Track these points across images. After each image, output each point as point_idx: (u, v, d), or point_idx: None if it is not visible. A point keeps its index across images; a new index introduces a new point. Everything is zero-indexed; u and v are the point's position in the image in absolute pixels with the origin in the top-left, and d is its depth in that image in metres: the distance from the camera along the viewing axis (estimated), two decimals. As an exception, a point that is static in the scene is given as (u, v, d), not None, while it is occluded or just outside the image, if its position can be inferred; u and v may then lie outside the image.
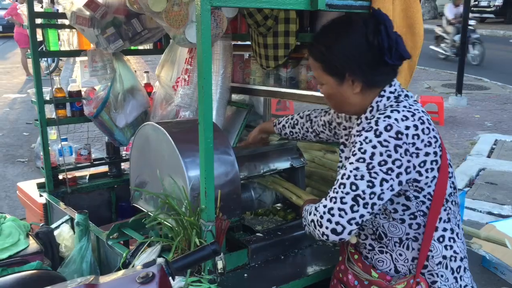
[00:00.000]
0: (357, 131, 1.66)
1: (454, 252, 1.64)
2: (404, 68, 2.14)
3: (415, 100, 1.67)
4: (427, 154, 1.55)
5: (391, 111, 1.57)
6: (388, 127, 1.52)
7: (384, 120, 1.53)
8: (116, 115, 3.23)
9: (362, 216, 1.52)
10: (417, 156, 1.53)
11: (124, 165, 3.58)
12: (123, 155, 3.59)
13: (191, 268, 1.72)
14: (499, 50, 15.48)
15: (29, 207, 3.48)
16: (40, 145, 3.20)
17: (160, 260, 1.39)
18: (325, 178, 2.74)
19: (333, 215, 1.53)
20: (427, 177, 1.56)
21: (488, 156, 6.56)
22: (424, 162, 1.55)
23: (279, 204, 2.59)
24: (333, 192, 1.56)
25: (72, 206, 2.98)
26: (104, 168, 3.55)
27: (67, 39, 3.36)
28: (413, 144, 1.52)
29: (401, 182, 1.53)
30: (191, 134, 2.15)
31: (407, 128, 1.52)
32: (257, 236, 2.25)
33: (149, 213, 2.22)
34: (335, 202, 1.54)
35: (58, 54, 3.85)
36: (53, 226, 2.82)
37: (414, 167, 1.54)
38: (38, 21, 3.11)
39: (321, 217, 1.56)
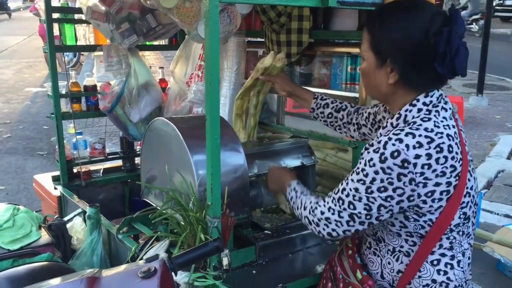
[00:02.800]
0: (380, 133, 1.58)
1: (448, 278, 1.54)
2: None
3: (447, 117, 1.50)
4: (437, 184, 1.44)
5: (406, 134, 1.42)
6: (395, 154, 1.40)
7: (394, 144, 1.41)
8: (130, 110, 3.25)
9: (357, 230, 1.56)
10: (425, 186, 1.43)
11: (137, 160, 3.60)
12: (137, 149, 3.62)
13: (194, 263, 1.73)
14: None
15: (44, 200, 3.54)
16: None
17: (162, 255, 1.39)
18: (336, 177, 2.72)
19: (330, 223, 1.59)
20: (431, 206, 1.46)
21: (508, 158, 6.44)
22: (432, 192, 1.44)
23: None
24: (333, 202, 1.58)
25: (86, 199, 3.01)
26: (118, 163, 3.58)
27: (84, 34, 3.40)
28: (422, 174, 1.41)
29: (402, 207, 1.48)
30: (201, 130, 2.15)
31: (417, 157, 1.40)
32: (265, 233, 2.24)
33: (158, 207, 2.24)
34: (333, 214, 1.57)
35: (74, 49, 3.90)
36: (66, 218, 2.86)
37: (419, 196, 1.44)
38: (55, 16, 3.15)
39: (319, 220, 1.62)
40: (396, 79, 1.50)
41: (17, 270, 1.95)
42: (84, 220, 2.76)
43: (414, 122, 1.47)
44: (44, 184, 3.50)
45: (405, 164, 1.40)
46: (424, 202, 1.45)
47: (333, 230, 1.59)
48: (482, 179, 5.52)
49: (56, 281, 1.38)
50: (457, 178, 1.46)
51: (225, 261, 1.76)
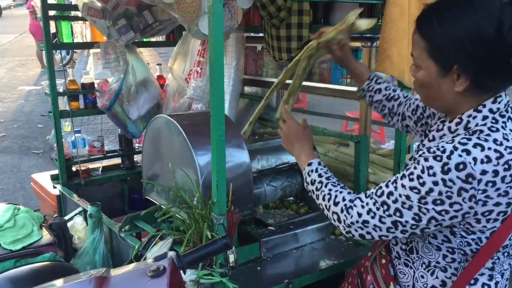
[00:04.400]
0: (433, 136, 1.44)
1: None
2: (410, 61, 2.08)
3: None
4: (497, 204, 1.28)
5: (474, 145, 1.26)
6: (461, 166, 1.24)
7: (460, 156, 1.24)
8: (129, 107, 3.23)
9: (395, 237, 1.39)
10: (484, 205, 1.28)
11: (136, 158, 3.59)
12: (135, 147, 3.60)
13: (202, 261, 1.71)
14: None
15: (43, 199, 3.51)
16: (54, 137, 3.22)
17: (171, 254, 1.38)
18: (339, 171, 2.71)
19: (366, 227, 1.40)
20: (484, 226, 1.32)
21: None
22: (490, 212, 1.29)
23: (291, 198, 2.58)
24: (373, 205, 1.39)
25: (85, 198, 3.00)
26: (117, 160, 3.57)
27: (80, 31, 3.37)
28: (484, 191, 1.26)
29: (453, 223, 1.34)
30: (203, 127, 2.13)
31: (484, 173, 1.24)
32: (269, 229, 2.23)
33: (161, 205, 2.22)
34: (372, 218, 1.39)
35: (71, 46, 3.88)
36: (66, 217, 2.84)
37: (476, 214, 1.29)
38: (52, 13, 3.12)
39: (352, 222, 1.43)
40: (466, 86, 1.31)
41: (20, 271, 1.93)
42: (85, 219, 2.74)
43: (481, 131, 1.30)
44: (42, 183, 3.48)
45: (470, 179, 1.24)
46: (478, 221, 1.31)
47: (368, 233, 1.41)
48: None
49: (63, 281, 1.37)
50: None
51: (231, 258, 1.75)
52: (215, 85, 1.64)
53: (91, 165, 3.39)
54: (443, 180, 1.25)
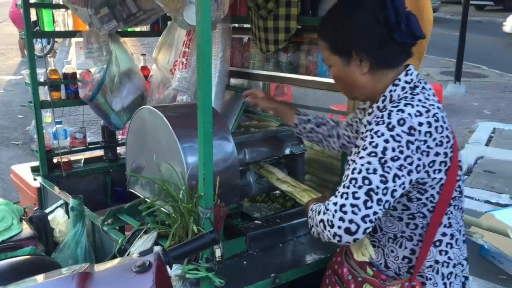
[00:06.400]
0: (367, 121, 1.58)
1: (448, 258, 1.58)
2: (413, 55, 2.07)
3: (431, 94, 1.56)
4: (437, 154, 1.47)
5: (405, 105, 1.47)
6: (401, 121, 1.43)
7: (397, 114, 1.44)
8: (112, 98, 3.16)
9: (375, 213, 1.40)
10: (427, 155, 1.45)
11: (119, 149, 3.53)
12: (119, 139, 3.54)
13: (189, 256, 1.68)
14: (497, 37, 15.41)
15: (23, 191, 3.43)
16: (34, 128, 3.14)
17: (157, 249, 1.35)
18: (324, 165, 2.70)
19: (345, 212, 1.40)
20: (433, 178, 1.48)
21: (486, 145, 6.53)
22: (433, 162, 1.47)
23: (277, 191, 2.55)
24: (344, 188, 1.44)
25: (67, 190, 2.93)
26: (100, 152, 3.50)
27: (62, 20, 3.28)
28: (425, 142, 1.44)
29: (411, 180, 1.45)
30: (189, 119, 2.09)
31: (420, 124, 1.44)
32: (255, 223, 2.21)
33: (146, 198, 2.18)
34: (346, 198, 1.41)
35: (52, 35, 3.78)
36: (47, 210, 2.78)
37: (424, 166, 1.46)
38: (32, 0, 3.03)
39: (332, 215, 1.42)
40: (368, 66, 1.55)
41: (0, 265, 1.88)
42: (66, 212, 2.69)
43: (405, 97, 1.52)
44: (22, 175, 3.40)
45: (412, 131, 1.42)
46: (428, 173, 1.47)
47: (351, 221, 1.39)
48: (463, 166, 5.57)
49: (44, 277, 1.33)
50: (451, 149, 1.50)
51: (217, 252, 1.72)
52: (203, 77, 1.60)
53: (73, 157, 3.32)
54: (392, 136, 1.42)
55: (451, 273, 1.59)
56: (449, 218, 1.57)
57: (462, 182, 1.59)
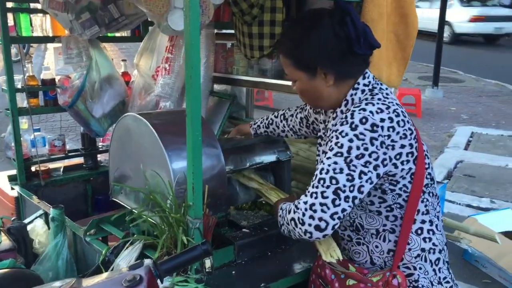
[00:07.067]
0: (332, 125, 1.69)
1: (433, 244, 1.65)
2: (398, 60, 2.08)
3: (389, 93, 1.67)
4: (402, 146, 1.56)
5: (366, 104, 1.57)
6: (364, 120, 1.52)
7: (360, 113, 1.54)
8: (93, 104, 3.08)
9: (344, 210, 1.51)
10: (393, 149, 1.55)
11: (100, 157, 3.45)
12: (99, 146, 3.45)
13: (181, 269, 1.63)
14: (472, 42, 15.68)
15: (-1, 201, 3.32)
16: (10, 135, 3.05)
17: (147, 262, 1.30)
18: (310, 171, 2.66)
19: (315, 211, 1.51)
20: (402, 169, 1.57)
21: (465, 149, 6.63)
22: (400, 154, 1.56)
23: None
24: (313, 188, 1.54)
25: (46, 199, 2.84)
26: (79, 160, 3.40)
27: (40, 24, 3.20)
28: (389, 136, 1.53)
29: (379, 174, 1.54)
30: (175, 126, 2.05)
31: (382, 120, 1.53)
32: (243, 232, 2.17)
33: (131, 208, 2.12)
34: (316, 198, 1.52)
35: (30, 40, 3.67)
36: (26, 221, 2.69)
37: (390, 159, 1.55)
38: (9, 5, 2.94)
39: (303, 214, 1.53)
40: (333, 79, 1.64)
41: (-22, 280, 1.80)
42: (46, 222, 2.60)
43: (366, 99, 1.62)
44: (-2, 184, 3.29)
45: (375, 128, 1.51)
46: (395, 166, 1.56)
47: (320, 219, 1.50)
48: (443, 170, 5.64)
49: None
50: (415, 140, 1.60)
51: (207, 263, 1.68)
52: (191, 83, 1.56)
53: (52, 165, 3.22)
54: (355, 135, 1.51)
55: (438, 259, 1.66)
56: (426, 206, 1.65)
57: (431, 169, 1.69)
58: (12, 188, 3.07)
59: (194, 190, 1.63)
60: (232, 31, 2.89)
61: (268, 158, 2.35)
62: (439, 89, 9.76)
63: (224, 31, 3.11)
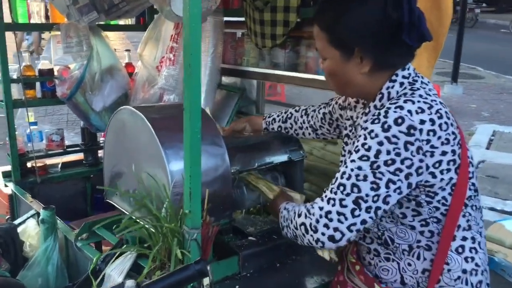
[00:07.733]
0: (364, 121, 1.45)
1: (476, 265, 1.43)
2: (429, 49, 1.85)
3: (431, 88, 1.45)
4: (443, 153, 1.34)
5: (405, 101, 1.35)
6: (399, 120, 1.30)
7: (395, 111, 1.32)
8: (93, 97, 2.92)
9: (364, 222, 1.35)
10: (432, 156, 1.33)
11: (101, 153, 3.27)
12: (100, 141, 3.27)
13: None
14: (491, 38, 15.36)
15: (-7, 198, 3.16)
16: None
17: (129, 284, 1.09)
18: (325, 172, 2.47)
19: (331, 219, 1.36)
20: (442, 179, 1.36)
21: (487, 148, 6.40)
22: (440, 162, 1.34)
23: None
24: (331, 193, 1.38)
25: (42, 197, 2.70)
26: (79, 156, 3.24)
27: (38, 11, 3.02)
28: (428, 141, 1.32)
29: (410, 184, 1.34)
30: (175, 121, 1.83)
31: (422, 122, 1.31)
32: (249, 240, 1.96)
33: (126, 212, 1.92)
34: (333, 205, 1.36)
35: (27, 27, 3.51)
36: (17, 221, 2.51)
37: (427, 167, 1.34)
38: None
39: (317, 221, 1.38)
40: (369, 66, 1.43)
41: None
42: (38, 223, 2.42)
43: (405, 94, 1.40)
44: (-8, 180, 3.13)
45: (412, 131, 1.30)
46: (433, 175, 1.35)
47: (336, 229, 1.35)
48: (473, 162, 5.40)
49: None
50: (459, 146, 1.39)
51: (206, 280, 1.46)
52: (190, 73, 1.35)
53: (49, 161, 3.06)
54: (387, 138, 1.30)
55: (480, 281, 1.44)
56: (467, 221, 1.44)
57: (475, 179, 1.48)
58: (6, 185, 2.89)
59: (191, 195, 1.41)
60: (242, 19, 2.68)
61: (279, 157, 2.14)
62: (458, 85, 9.47)
63: (233, 18, 2.90)
